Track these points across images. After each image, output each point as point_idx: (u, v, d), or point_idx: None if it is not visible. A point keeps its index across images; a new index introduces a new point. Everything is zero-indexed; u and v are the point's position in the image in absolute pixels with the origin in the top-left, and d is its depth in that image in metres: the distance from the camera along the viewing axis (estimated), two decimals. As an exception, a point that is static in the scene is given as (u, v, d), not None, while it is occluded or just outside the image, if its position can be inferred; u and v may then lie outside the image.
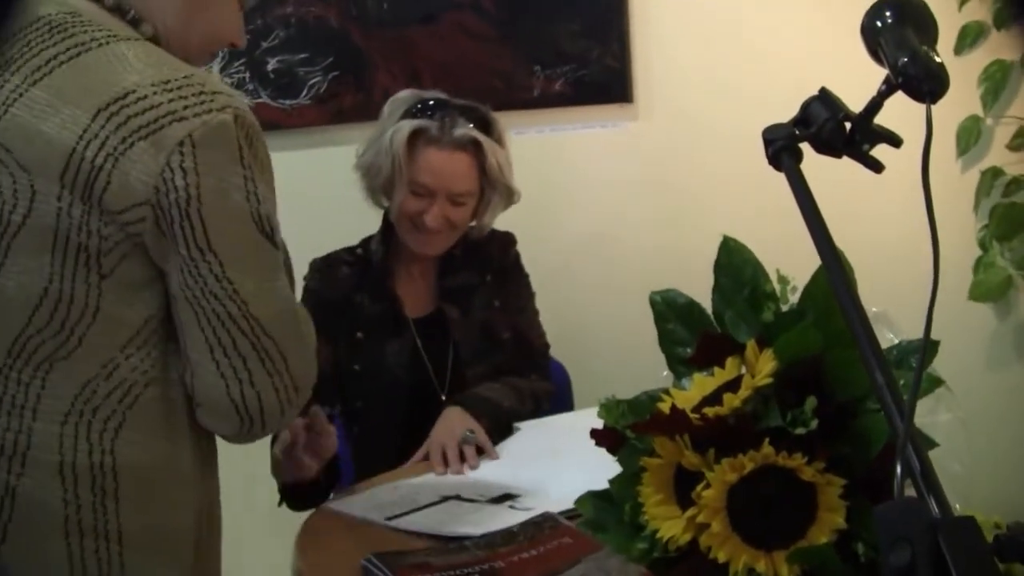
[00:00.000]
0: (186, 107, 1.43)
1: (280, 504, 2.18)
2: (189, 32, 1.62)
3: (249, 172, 1.47)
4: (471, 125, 2.43)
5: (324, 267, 2.54)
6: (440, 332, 2.55)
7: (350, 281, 2.52)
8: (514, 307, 2.61)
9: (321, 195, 3.41)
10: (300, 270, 2.51)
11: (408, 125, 2.42)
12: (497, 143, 2.48)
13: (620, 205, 3.11)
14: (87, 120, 1.41)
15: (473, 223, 2.53)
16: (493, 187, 2.48)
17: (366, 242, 2.59)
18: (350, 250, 2.59)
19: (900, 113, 1.29)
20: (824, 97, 1.30)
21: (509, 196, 2.53)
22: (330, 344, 2.45)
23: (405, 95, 2.52)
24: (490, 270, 2.61)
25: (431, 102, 2.46)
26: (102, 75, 1.44)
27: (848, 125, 1.29)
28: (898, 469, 0.85)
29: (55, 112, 1.42)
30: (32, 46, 1.47)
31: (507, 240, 2.66)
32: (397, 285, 2.55)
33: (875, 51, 1.26)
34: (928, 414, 1.67)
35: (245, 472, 2.23)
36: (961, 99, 2.73)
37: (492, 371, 2.52)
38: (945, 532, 0.78)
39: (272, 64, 3.44)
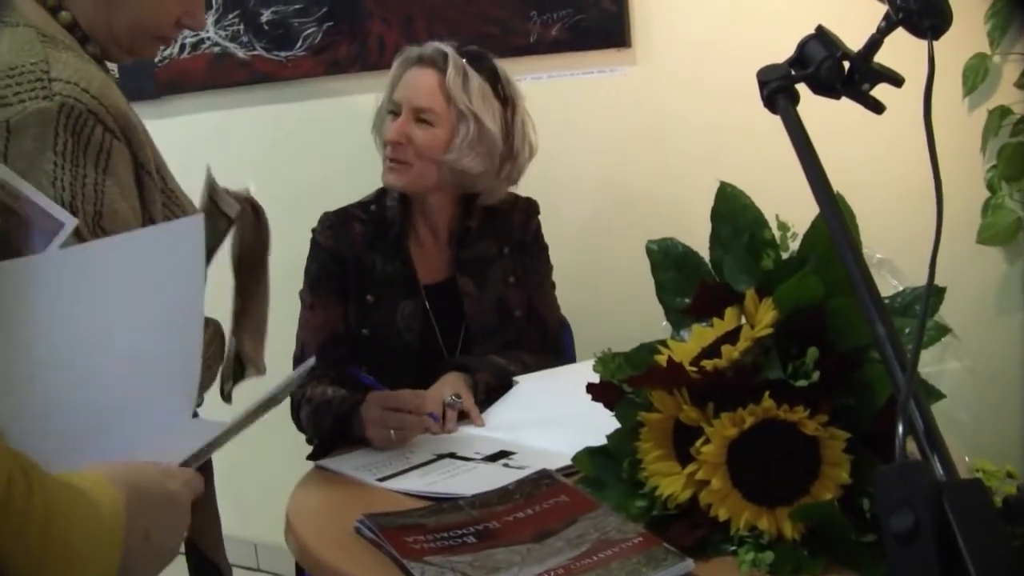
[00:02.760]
0: (16, 93, 1.44)
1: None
2: (111, 20, 1.64)
3: (61, 161, 1.45)
4: (451, 48, 2.41)
5: (336, 223, 2.46)
6: (452, 302, 2.48)
7: (363, 239, 2.44)
8: (531, 282, 2.55)
9: (317, 146, 3.37)
10: (305, 220, 2.48)
11: (402, 54, 2.45)
12: (479, 74, 2.40)
13: (619, 151, 3.07)
14: None
15: (449, 155, 2.39)
16: (460, 113, 2.38)
17: (380, 196, 2.51)
18: (364, 206, 2.50)
19: (904, 52, 1.24)
20: (821, 35, 1.26)
21: (483, 134, 2.39)
22: (341, 304, 2.41)
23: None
24: (509, 242, 2.54)
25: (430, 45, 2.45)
26: None
27: (847, 64, 1.24)
28: (900, 428, 0.80)
29: None
30: None
31: (530, 209, 2.59)
32: (411, 248, 2.48)
33: (875, -14, 1.21)
34: (935, 363, 1.64)
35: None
36: (967, 37, 2.66)
37: (502, 347, 2.47)
38: (950, 495, 0.74)
39: (266, 16, 3.40)
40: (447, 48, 2.40)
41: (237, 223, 1.80)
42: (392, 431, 2.05)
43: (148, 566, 1.06)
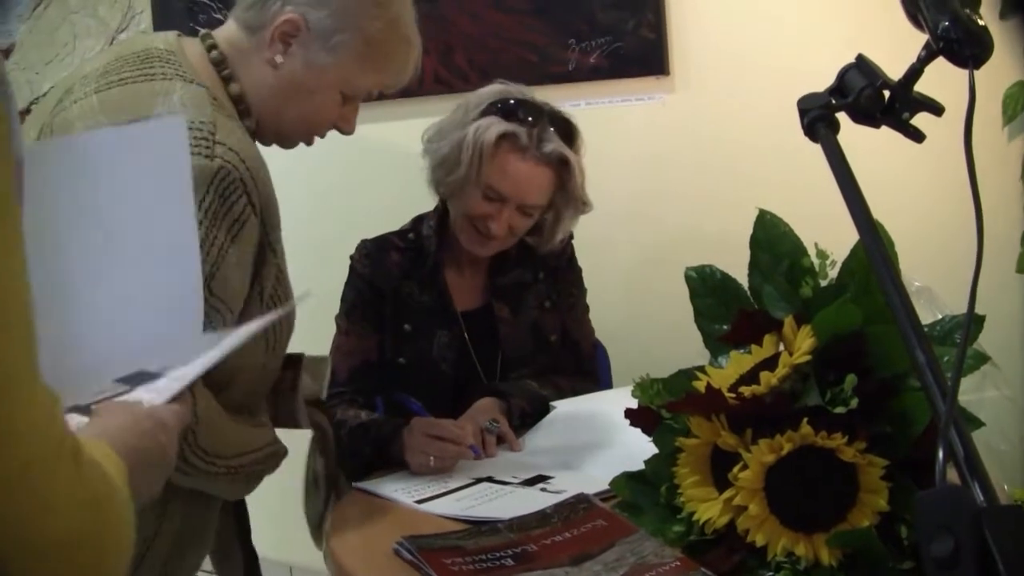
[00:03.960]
0: None
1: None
2: (282, 112, 1.78)
3: (202, 216, 1.52)
4: (560, 139, 2.34)
5: (375, 251, 2.47)
6: (488, 328, 2.48)
7: (400, 268, 2.45)
8: (564, 305, 2.56)
9: (357, 171, 3.39)
10: (336, 250, 2.49)
11: (497, 127, 2.31)
12: (578, 154, 2.40)
13: (657, 179, 3.08)
14: None
15: (534, 237, 2.47)
16: (567, 202, 2.40)
17: (417, 224, 2.51)
18: (401, 234, 2.51)
19: (944, 80, 1.25)
20: (861, 64, 1.27)
21: (579, 209, 2.45)
22: (375, 332, 2.42)
23: (492, 89, 2.42)
24: (544, 267, 2.54)
25: (521, 105, 2.35)
26: (141, 100, 1.60)
27: (887, 93, 1.25)
28: (940, 454, 0.80)
29: (91, 117, 1.59)
30: (121, 66, 1.67)
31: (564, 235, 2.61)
32: (447, 276, 2.49)
33: (914, 16, 1.22)
34: (974, 391, 1.63)
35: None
36: (1007, 65, 2.67)
37: (538, 372, 2.47)
38: (990, 521, 0.74)
39: (307, 42, 3.43)
40: (563, 149, 2.34)
41: None
42: (432, 458, 2.07)
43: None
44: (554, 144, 2.31)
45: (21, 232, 0.83)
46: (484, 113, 2.33)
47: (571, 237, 2.58)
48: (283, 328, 1.75)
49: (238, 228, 1.57)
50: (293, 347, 1.86)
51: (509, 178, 2.31)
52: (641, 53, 3.05)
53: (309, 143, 1.89)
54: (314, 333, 2.00)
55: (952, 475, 0.82)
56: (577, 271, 2.61)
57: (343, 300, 2.46)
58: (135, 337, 1.35)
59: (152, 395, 1.23)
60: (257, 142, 1.79)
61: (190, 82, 1.65)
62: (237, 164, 1.57)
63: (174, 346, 1.38)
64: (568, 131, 2.37)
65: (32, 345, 0.83)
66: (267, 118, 1.78)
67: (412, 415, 2.21)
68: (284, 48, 1.74)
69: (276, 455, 1.78)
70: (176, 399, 1.23)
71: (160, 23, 3.38)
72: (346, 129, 1.86)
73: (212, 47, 1.75)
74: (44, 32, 3.47)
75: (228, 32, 1.79)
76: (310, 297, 1.48)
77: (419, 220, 2.51)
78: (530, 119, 2.31)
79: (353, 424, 2.25)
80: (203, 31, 1.79)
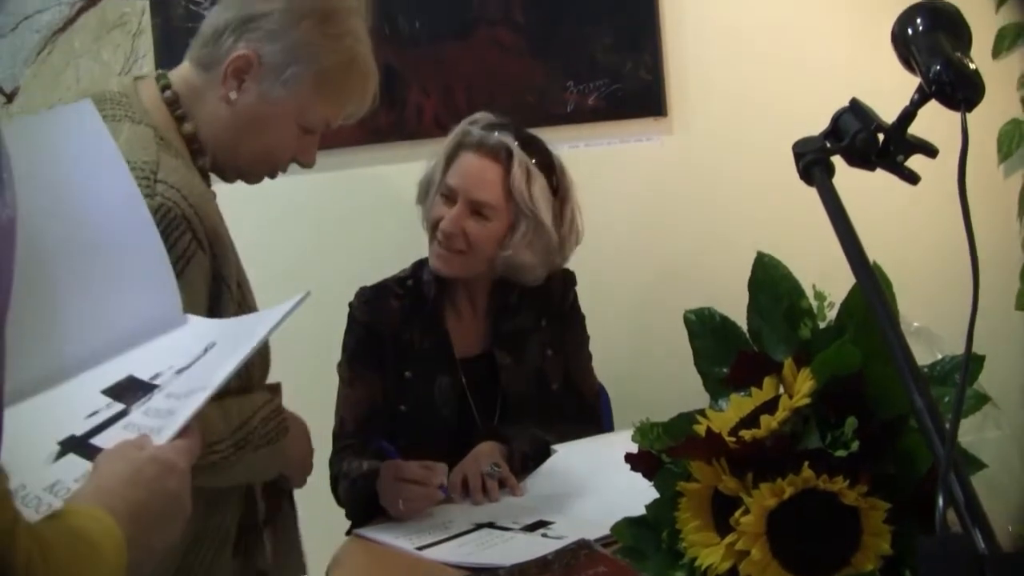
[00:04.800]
0: None
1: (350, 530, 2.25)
2: (239, 147, 1.80)
3: None
4: (513, 138, 2.37)
5: (373, 298, 2.48)
6: (489, 375, 2.48)
7: (399, 315, 2.45)
8: (567, 352, 2.56)
9: (356, 214, 3.39)
10: (339, 292, 2.49)
11: (453, 132, 2.41)
12: (541, 172, 2.39)
13: (655, 219, 3.08)
14: None
15: (504, 252, 2.41)
16: (520, 211, 2.38)
17: (417, 270, 2.52)
18: (400, 281, 2.51)
19: (938, 120, 1.25)
20: (855, 108, 1.27)
21: (540, 231, 2.40)
22: (379, 379, 2.43)
23: (475, 115, 2.48)
24: (547, 314, 2.54)
25: (485, 118, 2.43)
26: None
27: (881, 136, 1.25)
28: (940, 500, 0.80)
29: None
30: None
31: (567, 279, 2.59)
32: (448, 322, 2.49)
33: (907, 59, 1.22)
34: (975, 432, 1.63)
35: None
36: (1001, 103, 2.68)
37: (539, 418, 2.46)
38: (992, 569, 0.73)
39: (306, 86, 3.44)
40: (510, 141, 2.36)
41: None
42: (400, 502, 2.05)
43: (152, 565, 1.09)
44: (501, 136, 2.36)
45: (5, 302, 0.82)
46: (454, 137, 2.41)
47: (574, 283, 2.57)
48: (256, 365, 1.74)
49: (183, 264, 1.58)
50: (296, 394, 1.85)
51: (458, 172, 2.37)
52: (639, 94, 3.06)
53: (272, 177, 1.91)
54: (315, 386, 1.99)
55: (954, 518, 0.82)
56: (580, 317, 2.60)
57: (344, 348, 2.45)
58: (112, 319, 1.35)
59: (151, 421, 1.20)
60: (221, 179, 1.84)
61: (138, 123, 1.69)
62: (179, 201, 1.59)
63: (155, 325, 1.38)
64: (526, 137, 2.42)
65: None
66: (224, 154, 1.81)
67: (386, 459, 2.21)
68: (238, 84, 1.76)
69: (278, 411, 1.75)
70: (181, 433, 1.18)
71: (163, 65, 3.38)
72: (305, 161, 1.87)
73: (166, 87, 1.78)
74: (48, 76, 3.48)
75: (183, 71, 1.82)
76: (308, 297, 1.45)
77: (418, 266, 2.50)
78: (489, 124, 2.38)
79: (354, 475, 2.24)
80: (159, 72, 1.83)
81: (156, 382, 1.27)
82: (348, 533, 2.28)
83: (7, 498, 0.85)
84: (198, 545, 1.71)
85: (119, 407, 1.23)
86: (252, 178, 1.89)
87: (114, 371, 1.31)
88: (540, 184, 2.38)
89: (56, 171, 1.36)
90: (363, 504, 2.19)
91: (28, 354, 1.09)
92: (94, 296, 1.36)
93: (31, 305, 1.24)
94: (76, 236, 1.36)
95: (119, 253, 1.41)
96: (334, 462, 2.32)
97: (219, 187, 1.94)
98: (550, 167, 2.42)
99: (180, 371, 1.29)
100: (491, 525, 1.98)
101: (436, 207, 2.39)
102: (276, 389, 1.86)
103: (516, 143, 2.37)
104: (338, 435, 2.42)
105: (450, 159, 2.40)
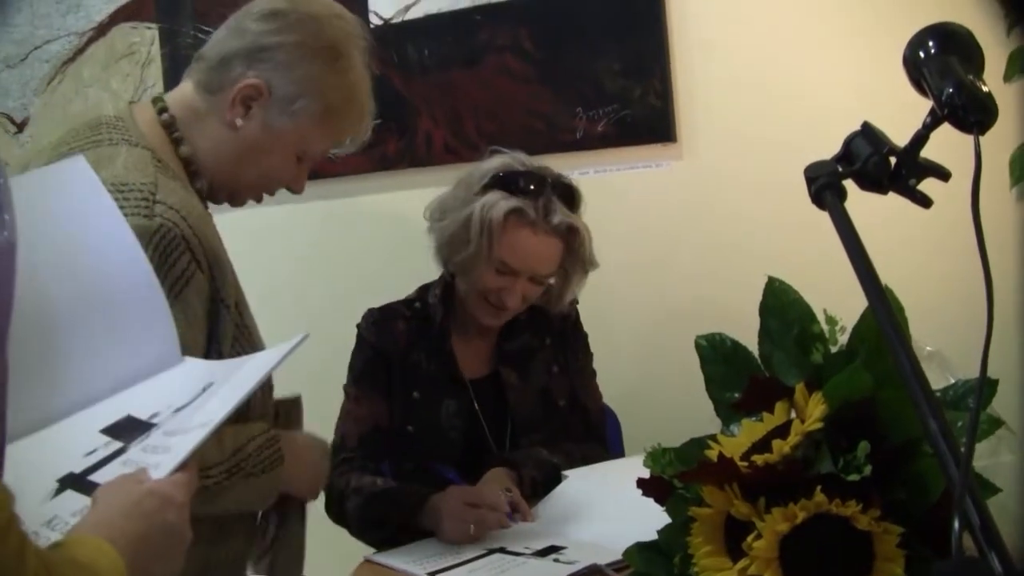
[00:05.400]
0: (121, 207, 1.52)
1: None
2: (238, 173, 1.83)
3: None
4: (567, 208, 2.36)
5: (381, 319, 2.48)
6: (496, 395, 2.49)
7: (406, 337, 2.46)
8: (572, 369, 2.56)
9: (365, 241, 3.40)
10: (353, 314, 2.50)
11: (504, 204, 2.31)
12: (582, 221, 2.42)
13: (665, 244, 3.08)
14: None
15: (543, 298, 2.49)
16: (575, 264, 2.43)
17: (423, 293, 2.53)
18: (408, 303, 2.52)
19: (949, 144, 1.25)
20: (867, 132, 1.27)
21: (587, 269, 2.48)
22: (385, 399, 2.43)
23: (493, 163, 2.42)
24: (550, 332, 2.55)
25: (524, 176, 2.36)
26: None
27: (893, 160, 1.25)
28: (956, 524, 0.79)
29: None
30: (73, 137, 1.73)
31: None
32: (454, 345, 2.50)
33: (919, 82, 1.22)
34: (989, 456, 1.62)
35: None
36: (1014, 127, 2.67)
37: (548, 437, 2.47)
38: (1009, 592, 0.73)
39: (316, 113, 3.45)
40: (570, 218, 2.36)
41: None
42: (472, 526, 2.05)
43: None
44: (561, 215, 2.33)
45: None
46: (487, 187, 2.34)
47: (576, 301, 2.58)
48: (256, 397, 1.74)
49: (182, 285, 1.60)
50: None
51: (520, 253, 2.32)
52: (648, 120, 3.06)
53: (259, 201, 1.93)
54: (320, 405, 1.99)
55: (969, 543, 0.81)
56: (583, 335, 2.61)
57: (351, 368, 2.46)
58: (111, 362, 1.35)
59: (149, 457, 1.21)
60: (211, 201, 1.85)
61: (135, 146, 1.71)
62: (178, 222, 1.60)
63: (152, 366, 1.38)
64: (571, 197, 2.39)
65: None
66: (222, 178, 1.83)
67: (447, 483, 2.21)
68: (244, 111, 1.78)
69: (274, 440, 1.74)
70: (180, 468, 1.19)
71: (171, 95, 3.42)
72: (296, 189, 1.91)
73: (163, 110, 1.81)
74: (58, 105, 3.51)
75: (182, 93, 1.84)
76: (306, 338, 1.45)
77: (424, 289, 2.52)
78: (534, 190, 2.32)
79: (372, 491, 2.24)
80: (156, 95, 1.86)
81: (154, 421, 1.28)
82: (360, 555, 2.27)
83: (14, 521, 0.85)
84: (208, 574, 1.71)
85: (117, 445, 1.24)
86: (241, 201, 1.91)
87: (112, 410, 1.32)
88: (589, 236, 2.42)
89: (55, 226, 1.39)
90: (378, 522, 2.19)
91: (26, 394, 1.09)
92: (93, 336, 1.37)
93: (31, 349, 1.25)
94: (76, 287, 1.38)
95: (118, 301, 1.43)
96: (334, 478, 2.30)
97: (232, 213, 1.95)
98: (582, 204, 2.44)
99: (178, 410, 1.30)
100: (502, 550, 1.98)
101: (489, 279, 2.35)
102: (295, 403, 1.89)
103: (574, 217, 2.38)
104: (338, 449, 2.40)
105: (499, 228, 2.31)
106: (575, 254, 2.40)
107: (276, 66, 1.77)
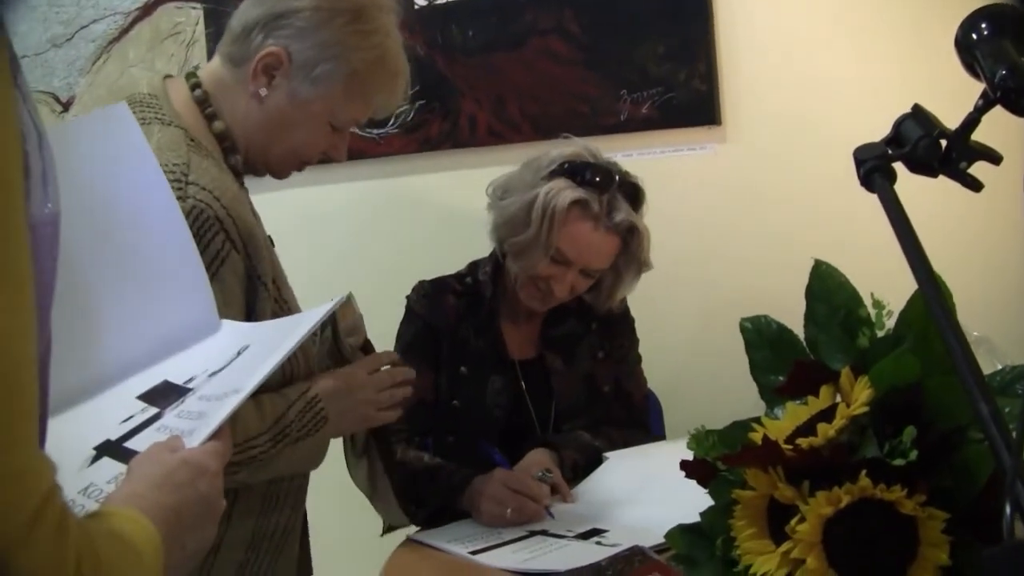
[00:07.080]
0: None
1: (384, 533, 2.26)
2: (270, 145, 1.81)
3: None
4: (631, 207, 2.37)
5: (432, 292, 2.50)
6: (541, 378, 2.50)
7: (456, 312, 2.47)
8: (617, 356, 2.57)
9: (408, 222, 3.41)
10: (396, 296, 2.50)
11: (568, 193, 2.31)
12: (641, 216, 2.43)
13: (710, 228, 3.07)
14: None
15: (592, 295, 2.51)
16: (629, 264, 2.44)
17: (473, 270, 2.54)
18: (459, 278, 2.53)
19: (998, 125, 1.24)
20: (917, 114, 1.26)
21: (640, 270, 2.48)
22: (431, 372, 2.43)
23: (565, 151, 2.42)
24: (596, 318, 2.55)
25: (592, 168, 2.35)
26: None
27: (943, 143, 1.24)
28: (1008, 509, 0.79)
29: None
30: None
31: None
32: (502, 325, 2.50)
33: (971, 65, 1.21)
34: (1036, 443, 1.61)
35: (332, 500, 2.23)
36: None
37: (591, 423, 2.47)
38: (1061, 577, 0.73)
39: (360, 95, 3.45)
40: (637, 220, 2.37)
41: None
42: (509, 511, 2.06)
43: (186, 567, 1.09)
44: (624, 214, 2.33)
45: (30, 296, 0.82)
46: (554, 174, 2.34)
47: None
48: (299, 361, 1.74)
49: (217, 265, 1.60)
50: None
51: (578, 244, 2.32)
52: (693, 104, 3.05)
53: (300, 170, 1.91)
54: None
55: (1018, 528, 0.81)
56: (630, 321, 2.60)
57: (399, 339, 2.47)
58: (149, 327, 1.35)
59: (184, 423, 1.20)
60: (251, 175, 1.84)
61: (168, 124, 1.70)
62: (211, 202, 1.60)
63: (191, 332, 1.38)
64: (636, 196, 2.39)
65: (28, 414, 0.82)
66: (255, 151, 1.82)
67: (492, 464, 2.23)
68: (268, 81, 1.77)
69: (314, 402, 1.73)
70: (213, 435, 1.17)
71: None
72: (336, 157, 1.88)
73: (196, 86, 1.80)
74: (103, 86, 3.52)
75: (213, 68, 1.84)
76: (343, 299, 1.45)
77: (474, 266, 2.52)
78: (600, 184, 2.31)
79: (418, 467, 2.25)
80: (189, 70, 1.84)
81: (190, 385, 1.28)
82: (384, 533, 2.28)
83: (56, 493, 0.85)
84: (256, 546, 1.72)
85: (153, 411, 1.24)
86: (281, 173, 1.90)
87: (150, 378, 1.31)
88: (648, 237, 2.42)
89: (92, 175, 1.36)
90: (420, 500, 2.19)
91: (67, 365, 1.09)
92: (131, 304, 1.36)
93: (68, 315, 1.24)
94: (112, 242, 1.37)
95: (155, 258, 1.42)
96: None
97: (276, 194, 1.95)
98: (642, 204, 2.44)
99: (213, 374, 1.29)
100: (544, 533, 1.98)
101: (543, 265, 2.35)
102: (367, 347, 1.91)
103: (636, 216, 2.38)
104: None
105: (561, 217, 2.32)
106: (631, 254, 2.40)
107: (294, 32, 1.75)
